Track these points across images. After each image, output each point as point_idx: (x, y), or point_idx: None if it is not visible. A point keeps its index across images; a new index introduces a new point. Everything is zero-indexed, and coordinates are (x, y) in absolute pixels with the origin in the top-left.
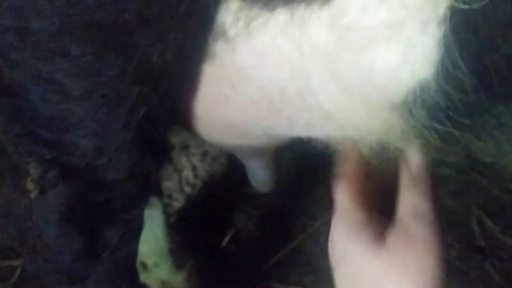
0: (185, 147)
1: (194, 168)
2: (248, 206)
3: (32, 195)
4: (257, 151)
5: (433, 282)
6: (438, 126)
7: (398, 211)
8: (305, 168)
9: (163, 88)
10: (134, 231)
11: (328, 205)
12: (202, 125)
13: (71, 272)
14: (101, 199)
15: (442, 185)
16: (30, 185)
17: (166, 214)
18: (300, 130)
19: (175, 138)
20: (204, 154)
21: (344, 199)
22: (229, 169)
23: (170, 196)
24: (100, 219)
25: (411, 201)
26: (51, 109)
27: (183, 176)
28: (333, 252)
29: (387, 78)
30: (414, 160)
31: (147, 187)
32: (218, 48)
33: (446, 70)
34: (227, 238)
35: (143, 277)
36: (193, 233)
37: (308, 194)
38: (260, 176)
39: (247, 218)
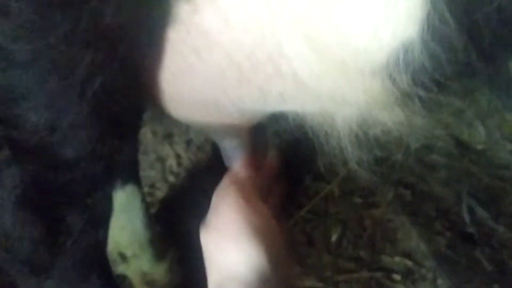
0: (169, 135)
1: (178, 156)
2: None
3: None
4: (231, 130)
5: None
6: (423, 93)
7: None
8: (291, 157)
9: (121, 53)
10: (100, 218)
11: (315, 194)
12: (169, 99)
13: (33, 262)
14: (60, 181)
15: (433, 172)
16: None
17: (146, 203)
18: (274, 102)
19: (158, 126)
20: (188, 143)
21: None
22: (214, 157)
23: (152, 186)
24: (61, 203)
25: None
26: None
27: (167, 165)
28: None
29: (365, 38)
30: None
31: (112, 168)
32: (180, 8)
33: (433, 26)
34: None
35: (122, 268)
36: (176, 223)
37: (294, 182)
38: (235, 158)
39: None
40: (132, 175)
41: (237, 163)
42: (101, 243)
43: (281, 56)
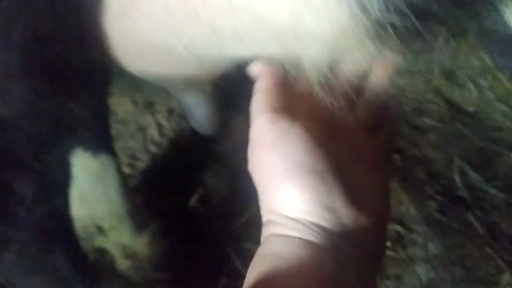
0: (150, 104)
1: (160, 126)
2: (218, 165)
3: None
4: (191, 83)
5: None
6: (399, 21)
7: None
8: None
9: None
10: (53, 184)
11: None
12: (116, 47)
13: None
14: (1, 143)
15: (423, 135)
16: None
17: (122, 173)
18: (229, 43)
19: (138, 95)
20: (171, 111)
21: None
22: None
23: (133, 156)
24: (5, 169)
25: None
26: None
27: (148, 135)
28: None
29: None
30: None
31: (58, 128)
32: None
33: None
34: (194, 198)
35: (101, 241)
36: (158, 194)
37: None
38: (199, 114)
39: (217, 178)
40: (103, 144)
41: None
42: (59, 213)
43: None
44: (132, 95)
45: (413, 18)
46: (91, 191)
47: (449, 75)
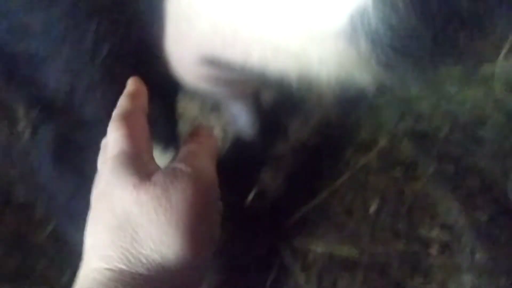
0: (215, 108)
1: (224, 128)
2: (273, 167)
3: (26, 136)
4: (235, 94)
5: (192, 214)
6: (383, 57)
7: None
8: (329, 127)
9: (124, 21)
10: None
11: (351, 163)
12: (177, 66)
13: (69, 209)
14: (86, 140)
15: (480, 147)
16: (21, 127)
17: None
18: (258, 65)
19: (207, 99)
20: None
21: (117, 134)
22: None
23: None
24: (90, 161)
25: (188, 147)
26: (16, 46)
27: None
28: (96, 188)
29: (322, 2)
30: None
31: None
32: None
33: None
34: (251, 196)
35: None
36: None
37: (331, 152)
38: (241, 120)
39: (271, 179)
40: (171, 141)
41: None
42: None
43: (256, 23)
44: (200, 100)
45: (393, 56)
46: None
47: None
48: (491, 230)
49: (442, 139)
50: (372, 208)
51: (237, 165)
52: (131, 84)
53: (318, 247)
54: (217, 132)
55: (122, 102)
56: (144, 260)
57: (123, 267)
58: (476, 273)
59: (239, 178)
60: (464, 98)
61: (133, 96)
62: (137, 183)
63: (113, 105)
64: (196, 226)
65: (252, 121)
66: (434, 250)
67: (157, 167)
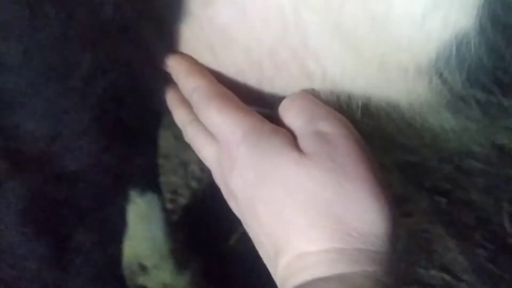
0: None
1: (201, 161)
2: None
3: None
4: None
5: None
6: (482, 95)
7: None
8: None
9: (125, 53)
10: (112, 233)
11: None
12: None
13: (40, 280)
14: (63, 196)
15: (470, 179)
16: None
17: (166, 211)
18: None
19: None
20: None
21: (227, 115)
22: None
23: (175, 192)
24: (67, 219)
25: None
26: None
27: (189, 170)
28: (245, 177)
29: (408, 28)
30: None
31: (123, 179)
32: (192, 1)
33: (493, 13)
34: (235, 237)
35: (143, 280)
36: (199, 231)
37: None
38: None
39: None
40: (151, 183)
41: None
42: (115, 260)
43: (307, 53)
44: (174, 129)
45: (498, 92)
46: (137, 230)
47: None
48: (492, 269)
49: (432, 171)
50: None
51: (219, 203)
52: (182, 60)
53: None
54: (194, 166)
55: (198, 81)
56: (355, 234)
57: (340, 245)
58: None
59: (222, 217)
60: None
61: (197, 70)
62: (298, 159)
63: (103, 152)
64: (376, 181)
65: None
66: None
67: (290, 135)
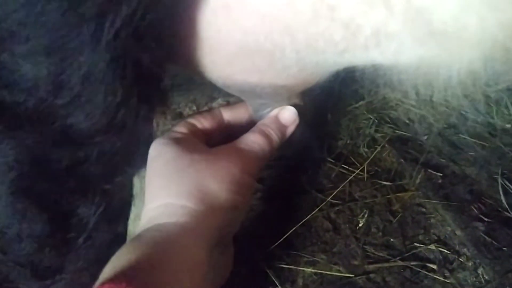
0: (179, 115)
1: None
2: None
3: None
4: (279, 93)
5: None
6: None
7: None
8: (311, 137)
9: None
10: (119, 207)
11: (337, 176)
12: (209, 55)
13: (36, 264)
14: (68, 161)
15: (462, 153)
16: None
17: None
18: (360, 47)
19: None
20: None
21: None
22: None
23: None
24: (70, 190)
25: (252, 136)
26: None
27: None
28: (150, 153)
29: None
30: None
31: (133, 143)
32: None
33: None
34: None
35: None
36: None
37: (316, 165)
38: (264, 114)
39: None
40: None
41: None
42: (121, 239)
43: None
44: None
45: None
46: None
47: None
48: (491, 242)
49: (425, 146)
50: (361, 223)
51: None
52: None
53: (308, 269)
54: None
55: None
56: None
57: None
58: None
59: None
60: (438, 103)
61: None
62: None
63: (120, 108)
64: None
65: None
66: (433, 266)
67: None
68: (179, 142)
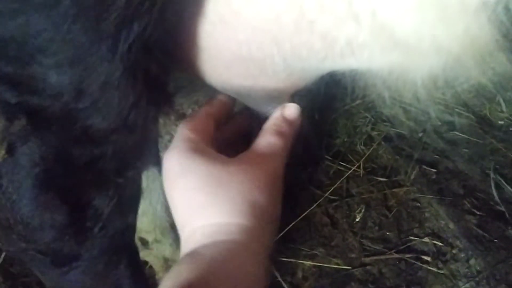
0: (182, 116)
1: None
2: None
3: None
4: (270, 96)
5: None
6: None
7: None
8: (310, 135)
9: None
10: (130, 199)
11: (336, 173)
12: (208, 61)
13: (56, 251)
14: (87, 158)
15: (455, 149)
16: None
17: None
18: (336, 55)
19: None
20: None
21: (186, 131)
22: None
23: None
24: (87, 184)
25: (267, 138)
26: (6, 26)
27: None
28: (172, 167)
29: None
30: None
31: (145, 141)
32: None
33: None
34: None
35: (143, 254)
36: None
37: (315, 162)
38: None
39: None
40: (152, 156)
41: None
42: (131, 229)
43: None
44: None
45: None
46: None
47: (477, 88)
48: (482, 234)
49: (419, 143)
50: (358, 218)
51: None
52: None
53: (307, 262)
54: None
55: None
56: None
57: (218, 220)
58: (475, 281)
59: None
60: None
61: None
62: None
63: (132, 110)
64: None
65: None
66: (427, 258)
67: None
68: (198, 152)
